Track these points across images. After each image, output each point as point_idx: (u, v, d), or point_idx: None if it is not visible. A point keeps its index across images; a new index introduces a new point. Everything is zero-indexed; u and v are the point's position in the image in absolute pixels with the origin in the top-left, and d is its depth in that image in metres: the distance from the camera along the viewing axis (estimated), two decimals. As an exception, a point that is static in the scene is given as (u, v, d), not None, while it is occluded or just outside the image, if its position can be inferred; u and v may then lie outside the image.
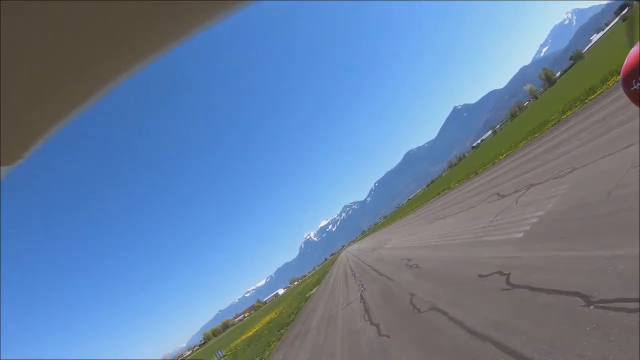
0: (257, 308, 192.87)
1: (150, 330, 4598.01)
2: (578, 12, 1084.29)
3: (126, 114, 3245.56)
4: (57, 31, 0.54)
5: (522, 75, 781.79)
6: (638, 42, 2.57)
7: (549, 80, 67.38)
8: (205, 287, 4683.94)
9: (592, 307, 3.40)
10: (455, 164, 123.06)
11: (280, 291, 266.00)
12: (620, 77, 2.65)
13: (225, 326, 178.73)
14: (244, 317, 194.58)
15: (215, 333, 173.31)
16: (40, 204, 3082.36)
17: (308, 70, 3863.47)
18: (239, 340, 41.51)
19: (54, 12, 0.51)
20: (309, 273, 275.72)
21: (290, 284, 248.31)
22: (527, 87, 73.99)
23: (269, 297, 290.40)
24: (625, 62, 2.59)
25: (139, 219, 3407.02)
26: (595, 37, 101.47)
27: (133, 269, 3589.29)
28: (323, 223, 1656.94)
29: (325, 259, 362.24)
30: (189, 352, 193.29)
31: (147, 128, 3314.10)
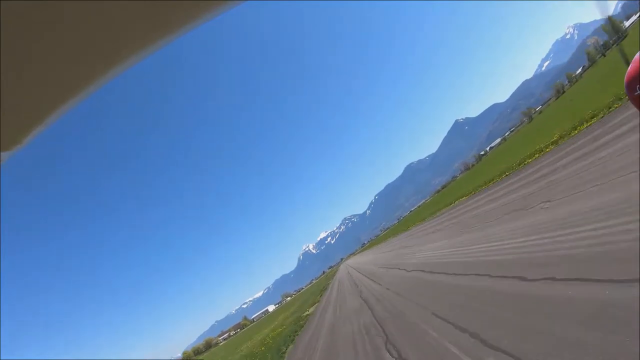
0: (243, 326, 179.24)
1: (145, 337, 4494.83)
2: (579, 27, 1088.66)
3: (124, 110, 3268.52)
4: (57, 19, 0.54)
5: (524, 89, 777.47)
6: None
7: (617, 32, 50.43)
8: (203, 296, 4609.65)
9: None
10: (473, 165, 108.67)
11: (271, 308, 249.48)
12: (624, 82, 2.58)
13: (208, 345, 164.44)
14: (229, 335, 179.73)
15: (196, 352, 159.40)
16: (38, 195, 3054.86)
17: (309, 85, 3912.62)
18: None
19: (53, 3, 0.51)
20: (305, 286, 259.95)
21: (283, 299, 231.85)
22: (592, 39, 57.98)
23: (258, 313, 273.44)
24: (629, 67, 2.54)
25: (144, 222, 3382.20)
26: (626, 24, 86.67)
27: (132, 274, 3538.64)
28: (322, 235, 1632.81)
29: (323, 272, 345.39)
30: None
31: (147, 129, 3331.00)
